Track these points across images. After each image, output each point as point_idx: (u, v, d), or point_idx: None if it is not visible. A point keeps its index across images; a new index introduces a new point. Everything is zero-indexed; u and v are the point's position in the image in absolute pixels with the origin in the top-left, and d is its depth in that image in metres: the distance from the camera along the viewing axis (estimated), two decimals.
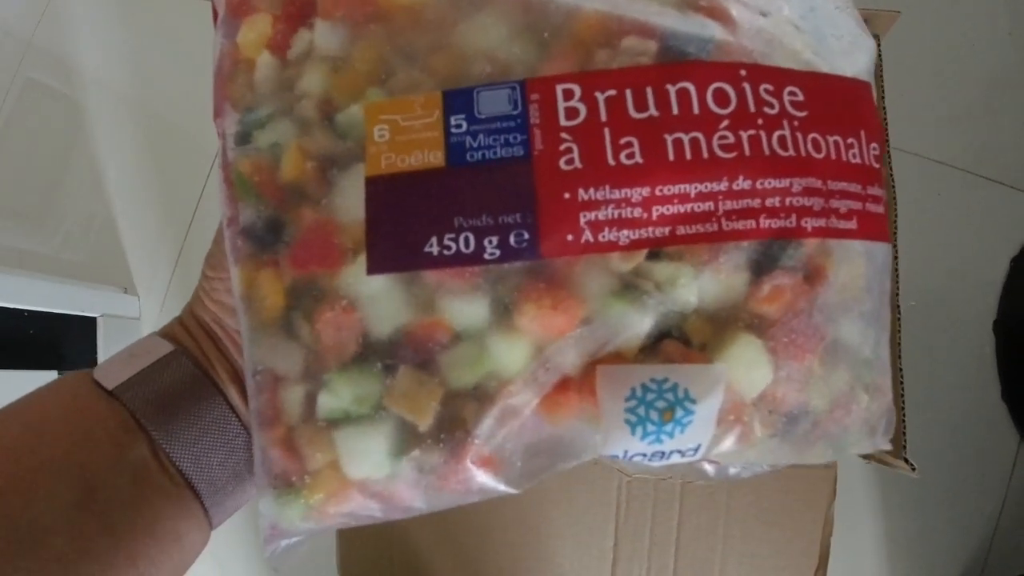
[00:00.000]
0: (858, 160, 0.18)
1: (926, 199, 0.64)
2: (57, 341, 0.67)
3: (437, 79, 0.18)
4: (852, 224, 0.18)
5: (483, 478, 0.17)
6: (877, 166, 0.19)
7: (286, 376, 0.18)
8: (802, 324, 0.17)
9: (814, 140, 0.17)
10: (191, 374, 0.21)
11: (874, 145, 0.19)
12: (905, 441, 0.33)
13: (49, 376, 0.68)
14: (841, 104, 0.18)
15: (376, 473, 0.18)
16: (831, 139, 0.18)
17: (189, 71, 0.80)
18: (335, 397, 0.18)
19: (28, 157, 0.83)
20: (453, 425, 0.17)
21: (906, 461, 0.32)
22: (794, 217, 0.17)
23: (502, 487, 0.18)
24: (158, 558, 0.19)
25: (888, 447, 0.20)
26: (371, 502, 0.18)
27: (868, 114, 0.19)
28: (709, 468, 0.19)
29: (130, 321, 0.75)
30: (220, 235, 0.21)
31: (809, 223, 0.17)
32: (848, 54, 0.19)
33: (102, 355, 0.70)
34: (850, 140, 0.18)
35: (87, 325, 0.69)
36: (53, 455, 0.18)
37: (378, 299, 0.17)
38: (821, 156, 0.17)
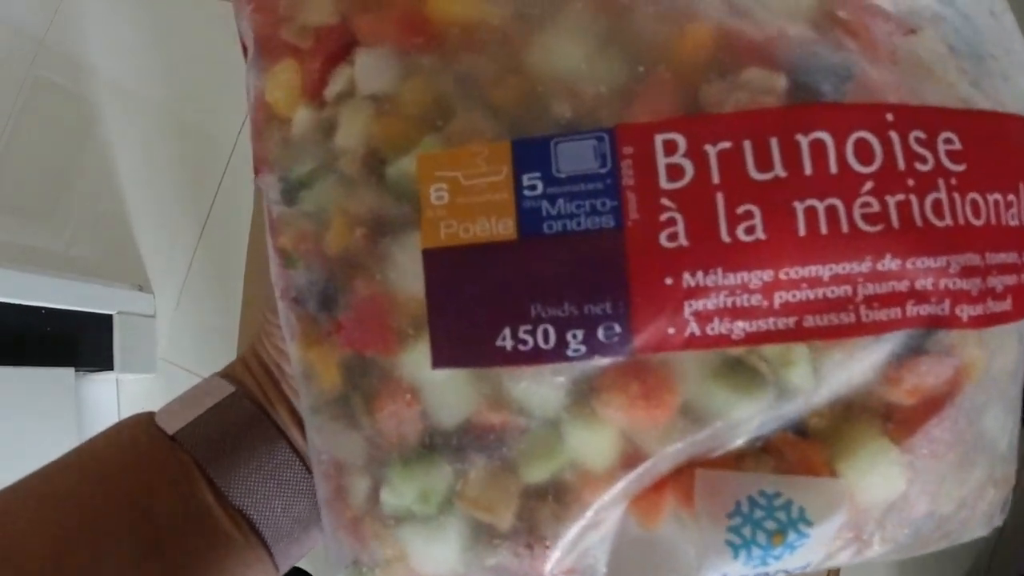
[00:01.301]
0: (1016, 222, 0.15)
1: None
2: (74, 338, 0.69)
3: (505, 122, 0.15)
4: (1007, 305, 0.15)
5: None
6: None
7: (350, 465, 0.16)
8: (946, 432, 0.14)
9: (973, 203, 0.14)
10: (253, 416, 0.20)
11: None
12: None
13: (66, 373, 0.68)
14: (1002, 151, 0.15)
15: (448, 573, 0.16)
16: (991, 199, 0.14)
17: (201, 68, 0.78)
18: (397, 495, 0.16)
19: (40, 156, 0.83)
20: (531, 531, 0.15)
21: None
22: (947, 304, 0.14)
23: None
24: None
25: (999, 524, 0.18)
26: None
27: None
28: None
29: (145, 319, 0.76)
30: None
31: (965, 311, 0.14)
32: (1009, 79, 0.16)
33: (118, 352, 0.72)
34: (1010, 197, 0.15)
35: (103, 322, 0.71)
36: (118, 506, 0.18)
37: (442, 389, 0.15)
38: (980, 223, 0.14)
